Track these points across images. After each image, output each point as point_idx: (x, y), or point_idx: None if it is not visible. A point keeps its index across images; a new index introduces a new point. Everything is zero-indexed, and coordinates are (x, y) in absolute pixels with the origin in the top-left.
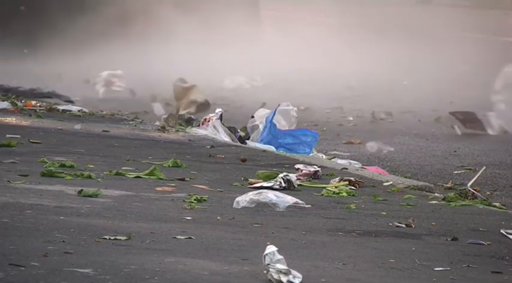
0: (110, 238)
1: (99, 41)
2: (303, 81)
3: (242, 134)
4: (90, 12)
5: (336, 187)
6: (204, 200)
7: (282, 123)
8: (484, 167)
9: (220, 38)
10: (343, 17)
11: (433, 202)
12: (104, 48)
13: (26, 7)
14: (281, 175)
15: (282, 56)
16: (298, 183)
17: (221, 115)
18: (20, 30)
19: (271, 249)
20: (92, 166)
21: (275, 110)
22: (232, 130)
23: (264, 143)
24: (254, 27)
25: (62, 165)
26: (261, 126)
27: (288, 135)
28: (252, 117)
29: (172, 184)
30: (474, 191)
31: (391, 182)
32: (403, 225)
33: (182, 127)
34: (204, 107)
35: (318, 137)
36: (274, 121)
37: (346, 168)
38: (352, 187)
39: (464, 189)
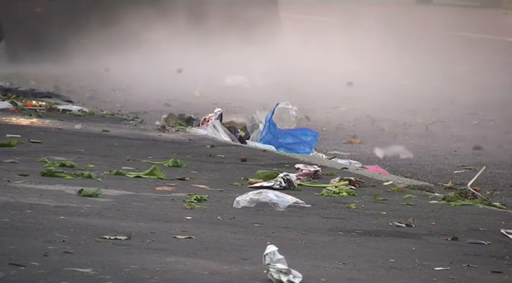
0: (110, 238)
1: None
2: (303, 81)
3: (242, 133)
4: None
5: (336, 187)
6: (204, 200)
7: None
8: (484, 167)
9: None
10: (342, 16)
11: (433, 202)
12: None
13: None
14: (281, 175)
15: (284, 56)
16: (298, 182)
17: (221, 115)
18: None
19: (271, 248)
20: (92, 166)
21: (273, 109)
22: (232, 130)
23: (264, 143)
24: (273, 28)
25: (62, 165)
26: (261, 126)
27: (288, 134)
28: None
29: (173, 184)
30: (474, 191)
31: (391, 182)
32: (403, 225)
33: (182, 127)
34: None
35: (318, 136)
36: (273, 119)
37: (346, 168)
38: (352, 187)
39: (464, 188)
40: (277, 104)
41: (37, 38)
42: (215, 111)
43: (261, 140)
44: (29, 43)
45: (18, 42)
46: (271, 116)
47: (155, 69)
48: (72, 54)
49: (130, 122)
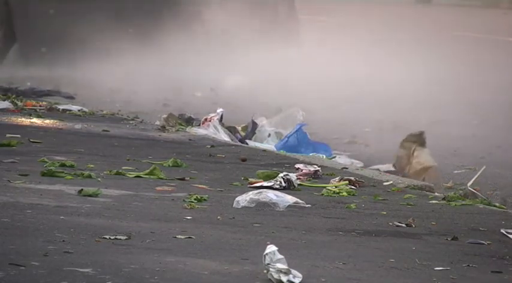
0: (110, 238)
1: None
2: (303, 81)
3: (242, 133)
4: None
5: (336, 186)
6: (204, 200)
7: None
8: (484, 167)
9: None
10: (342, 16)
11: (433, 201)
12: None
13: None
14: (281, 174)
15: (285, 56)
16: (298, 182)
17: (221, 115)
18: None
19: (271, 248)
20: (92, 165)
21: (300, 127)
22: (232, 130)
23: (286, 149)
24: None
25: (62, 165)
26: (269, 130)
27: (311, 145)
28: (252, 117)
29: (173, 184)
30: (474, 191)
31: (391, 182)
32: (403, 225)
33: (182, 127)
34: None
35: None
36: (282, 122)
37: (347, 168)
38: (352, 187)
39: (464, 188)
40: (300, 126)
41: (50, 40)
42: (217, 111)
43: (283, 145)
44: (42, 45)
45: (31, 44)
46: (300, 127)
47: (157, 69)
48: (84, 56)
49: (131, 122)
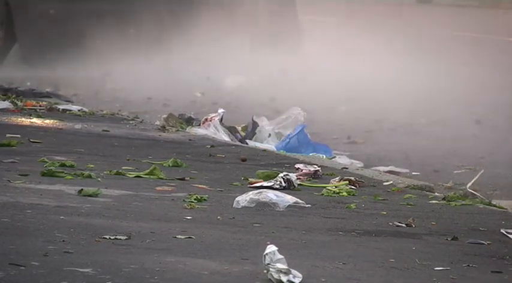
0: (110, 238)
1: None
2: (303, 81)
3: (242, 133)
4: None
5: (336, 186)
6: (204, 200)
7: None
8: (483, 170)
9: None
10: (342, 16)
11: (433, 202)
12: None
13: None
14: (281, 174)
15: (285, 56)
16: (298, 182)
17: (222, 115)
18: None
19: (271, 248)
20: (92, 165)
21: (302, 127)
22: (232, 130)
23: (287, 149)
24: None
25: (62, 165)
26: (269, 130)
27: (311, 146)
28: (253, 117)
29: (173, 184)
30: (474, 192)
31: (391, 182)
32: (403, 225)
33: (182, 126)
34: None
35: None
36: (283, 122)
37: (346, 168)
38: (352, 187)
39: (464, 188)
40: (301, 126)
41: (50, 41)
42: (218, 111)
43: (285, 146)
44: (43, 46)
45: (31, 45)
46: (302, 129)
47: (156, 69)
48: (84, 56)
49: (131, 122)
